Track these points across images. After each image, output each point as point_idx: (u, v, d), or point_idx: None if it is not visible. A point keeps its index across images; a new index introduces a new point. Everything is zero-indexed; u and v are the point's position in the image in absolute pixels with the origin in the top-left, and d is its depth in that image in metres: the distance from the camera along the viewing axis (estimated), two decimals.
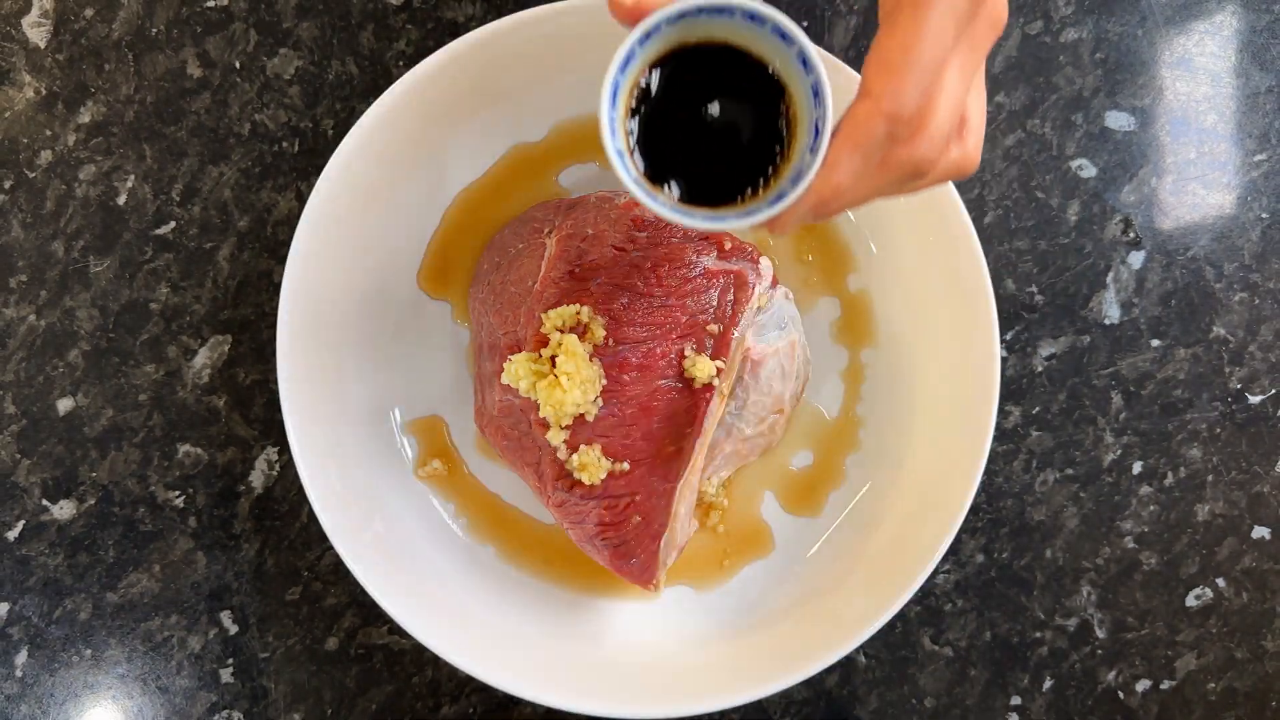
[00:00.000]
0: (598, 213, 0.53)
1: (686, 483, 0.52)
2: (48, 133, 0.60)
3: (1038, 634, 0.62)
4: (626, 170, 0.39)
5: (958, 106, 0.35)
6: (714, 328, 0.51)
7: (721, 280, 0.52)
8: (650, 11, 0.37)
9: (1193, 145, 0.63)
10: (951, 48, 0.34)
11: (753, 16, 0.37)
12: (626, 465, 0.51)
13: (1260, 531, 0.63)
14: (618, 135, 0.40)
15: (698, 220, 0.39)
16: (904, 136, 0.34)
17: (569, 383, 0.48)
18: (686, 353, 0.51)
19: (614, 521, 0.51)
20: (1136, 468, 0.62)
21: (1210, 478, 0.62)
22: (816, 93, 0.36)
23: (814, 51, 0.36)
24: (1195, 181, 0.63)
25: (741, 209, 0.39)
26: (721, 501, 0.58)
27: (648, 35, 0.38)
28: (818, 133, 0.36)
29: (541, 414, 0.49)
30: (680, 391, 0.51)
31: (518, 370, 0.49)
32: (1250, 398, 0.63)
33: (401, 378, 0.58)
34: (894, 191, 0.38)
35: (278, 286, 0.53)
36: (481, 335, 0.56)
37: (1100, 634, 0.62)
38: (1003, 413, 0.62)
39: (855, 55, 0.62)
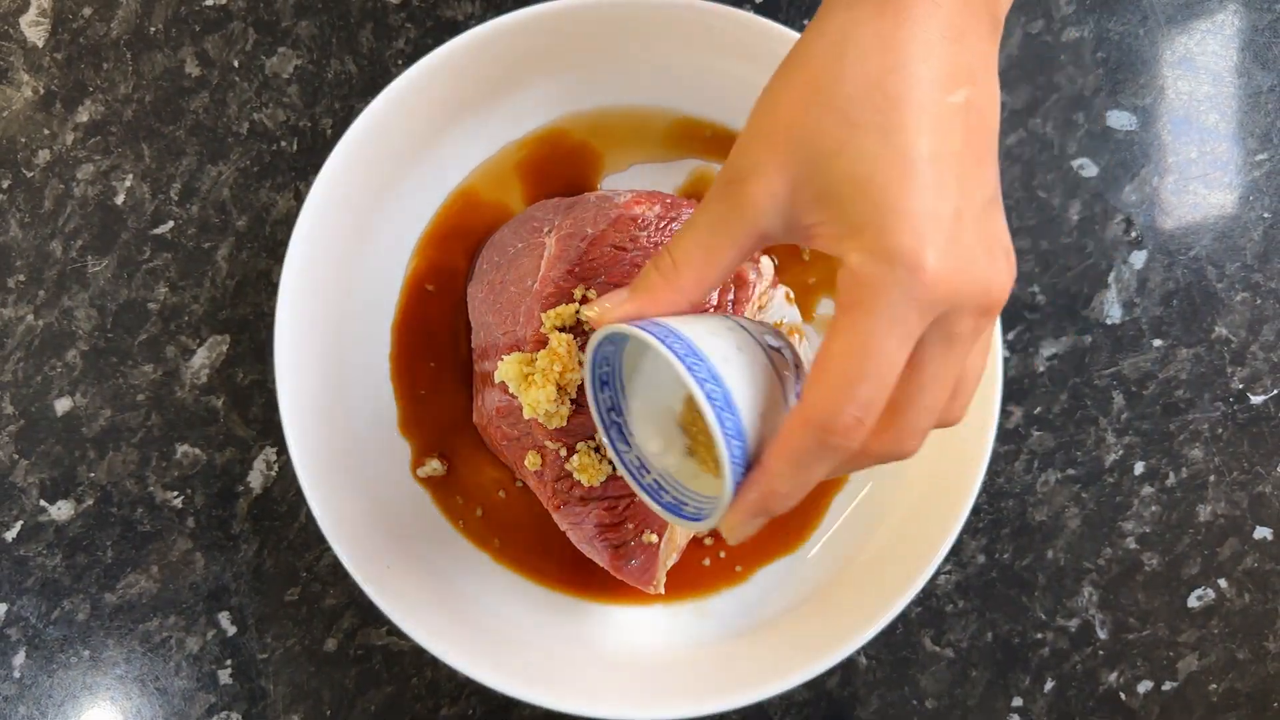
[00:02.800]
0: (597, 212, 0.53)
1: None
2: (46, 132, 0.60)
3: (1039, 635, 0.62)
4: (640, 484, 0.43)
5: (878, 404, 0.34)
6: None
7: None
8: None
9: (1194, 145, 0.63)
10: (895, 349, 0.33)
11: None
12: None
13: (1262, 532, 0.63)
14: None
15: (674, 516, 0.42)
16: (835, 445, 0.33)
17: (542, 379, 0.48)
18: None
19: (613, 523, 0.51)
20: (1138, 468, 0.62)
21: (1212, 478, 0.62)
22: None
23: (693, 387, 0.35)
24: (1197, 181, 0.63)
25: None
26: None
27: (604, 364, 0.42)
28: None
29: (525, 415, 0.49)
30: None
31: (508, 370, 0.49)
32: (1252, 398, 0.62)
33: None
34: (844, 472, 0.38)
35: (276, 286, 0.53)
36: (480, 335, 0.56)
37: (1102, 635, 0.62)
38: (1004, 413, 0.62)
39: None
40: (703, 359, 0.36)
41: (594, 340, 0.40)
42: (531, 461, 0.52)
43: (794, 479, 0.35)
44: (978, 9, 0.35)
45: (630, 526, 0.51)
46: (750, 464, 0.36)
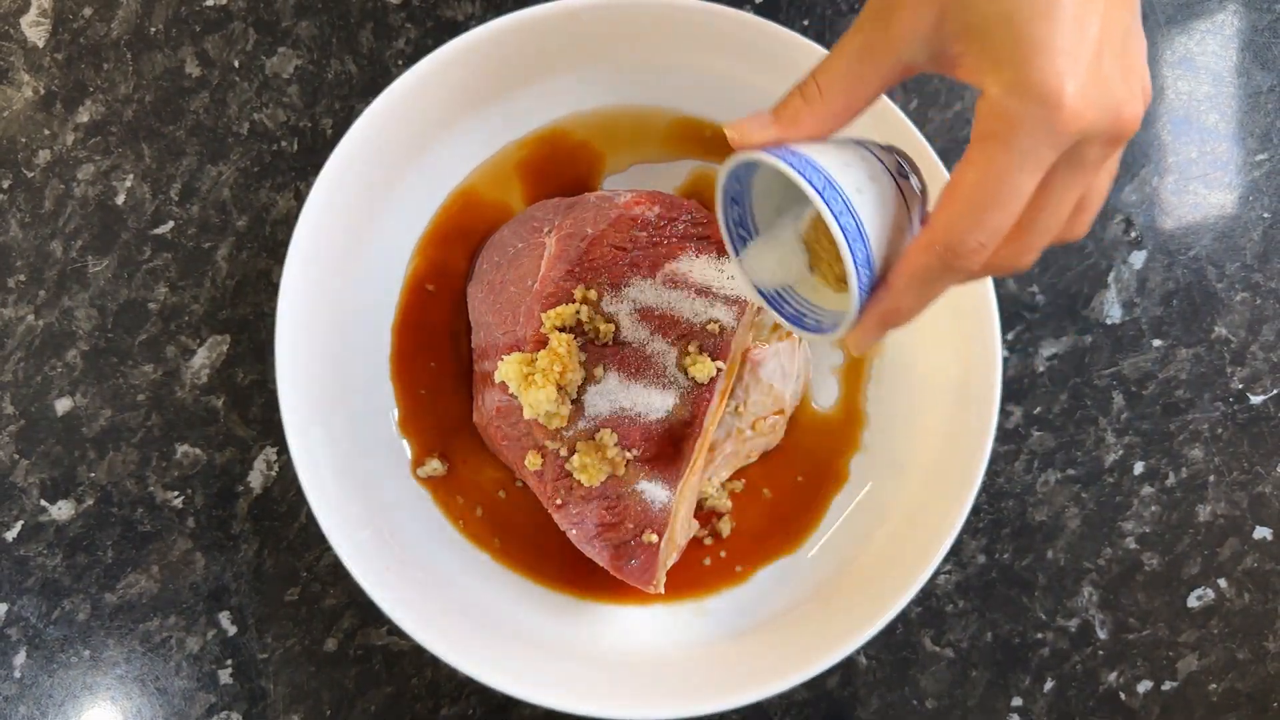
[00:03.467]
0: (597, 212, 0.53)
1: (687, 483, 0.51)
2: (46, 132, 0.60)
3: (1039, 635, 0.62)
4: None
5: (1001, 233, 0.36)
6: (714, 327, 0.51)
7: None
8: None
9: (1194, 145, 0.63)
10: (1026, 180, 0.34)
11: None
12: (632, 453, 0.51)
13: (1262, 532, 0.63)
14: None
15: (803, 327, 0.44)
16: (958, 267, 0.36)
17: (542, 379, 0.48)
18: (687, 352, 0.51)
19: (613, 522, 0.51)
20: (1138, 468, 0.62)
21: (1212, 478, 0.62)
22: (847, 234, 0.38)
23: (826, 213, 0.37)
24: (1197, 181, 0.63)
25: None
26: (724, 503, 0.58)
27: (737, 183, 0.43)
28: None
29: (526, 415, 0.49)
30: (680, 391, 0.51)
31: (508, 370, 0.49)
32: (1252, 398, 0.62)
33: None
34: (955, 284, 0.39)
35: (276, 286, 0.53)
36: (480, 335, 0.56)
37: (1102, 635, 0.62)
38: (1004, 413, 0.62)
39: None
40: (838, 191, 0.37)
41: (730, 161, 0.41)
42: (531, 461, 0.52)
43: (917, 296, 0.37)
44: None
45: (630, 526, 0.51)
46: (875, 284, 0.38)
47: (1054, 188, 0.35)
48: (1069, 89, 0.33)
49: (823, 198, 0.37)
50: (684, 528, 0.54)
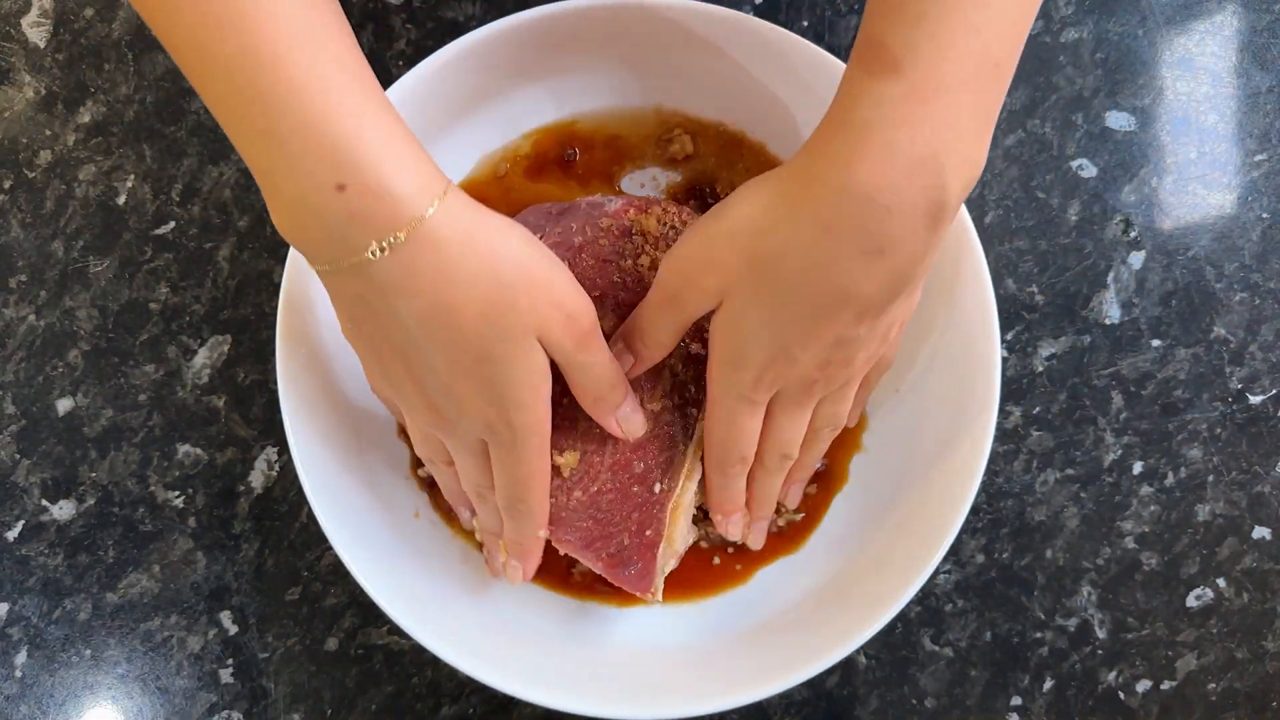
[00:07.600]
0: (586, 220, 0.53)
1: (684, 489, 0.51)
2: (47, 133, 0.60)
3: (1038, 634, 0.62)
4: None
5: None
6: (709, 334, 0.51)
7: None
8: None
9: (1193, 145, 0.63)
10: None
11: None
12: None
13: (1261, 532, 0.63)
14: None
15: None
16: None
17: None
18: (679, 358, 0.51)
19: (602, 535, 0.51)
20: (1137, 468, 0.62)
21: (1211, 478, 0.62)
22: None
23: None
24: (1196, 181, 0.63)
25: None
26: None
27: None
28: None
29: None
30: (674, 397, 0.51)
31: None
32: (1251, 398, 0.63)
33: None
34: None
35: (277, 286, 0.53)
36: None
37: (1101, 634, 0.62)
38: (1003, 413, 0.62)
39: None
40: None
41: None
42: None
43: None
44: None
45: (615, 529, 0.51)
46: None
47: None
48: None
49: None
50: (684, 535, 0.54)
